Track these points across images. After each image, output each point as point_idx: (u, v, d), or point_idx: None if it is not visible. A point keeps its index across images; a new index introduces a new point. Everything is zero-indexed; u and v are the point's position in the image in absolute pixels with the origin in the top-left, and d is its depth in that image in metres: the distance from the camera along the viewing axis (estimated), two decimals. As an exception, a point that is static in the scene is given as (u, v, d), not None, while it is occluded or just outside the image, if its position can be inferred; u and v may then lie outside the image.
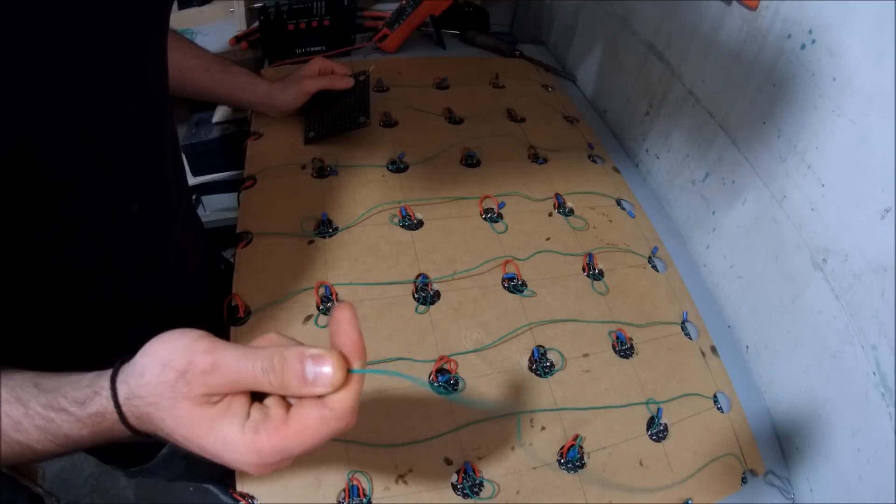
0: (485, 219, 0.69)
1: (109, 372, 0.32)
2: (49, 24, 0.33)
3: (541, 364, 0.57)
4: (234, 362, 0.29)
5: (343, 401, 0.29)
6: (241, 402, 0.29)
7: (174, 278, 0.54)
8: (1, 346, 0.42)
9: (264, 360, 0.29)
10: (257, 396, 0.31)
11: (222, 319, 0.56)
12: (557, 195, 0.73)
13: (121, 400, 0.30)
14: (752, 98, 0.60)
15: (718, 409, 0.58)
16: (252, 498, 0.44)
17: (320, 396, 0.29)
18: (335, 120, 0.75)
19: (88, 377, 0.32)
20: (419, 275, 0.62)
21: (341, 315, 0.30)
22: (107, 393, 0.31)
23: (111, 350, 0.33)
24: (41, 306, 0.45)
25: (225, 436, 0.28)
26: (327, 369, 0.28)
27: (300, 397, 0.29)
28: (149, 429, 0.31)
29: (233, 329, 0.55)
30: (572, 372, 0.57)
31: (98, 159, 0.41)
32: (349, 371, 0.29)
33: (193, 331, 0.31)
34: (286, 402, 0.30)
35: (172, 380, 0.29)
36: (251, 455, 0.28)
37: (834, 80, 0.49)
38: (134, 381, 0.30)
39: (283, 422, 0.29)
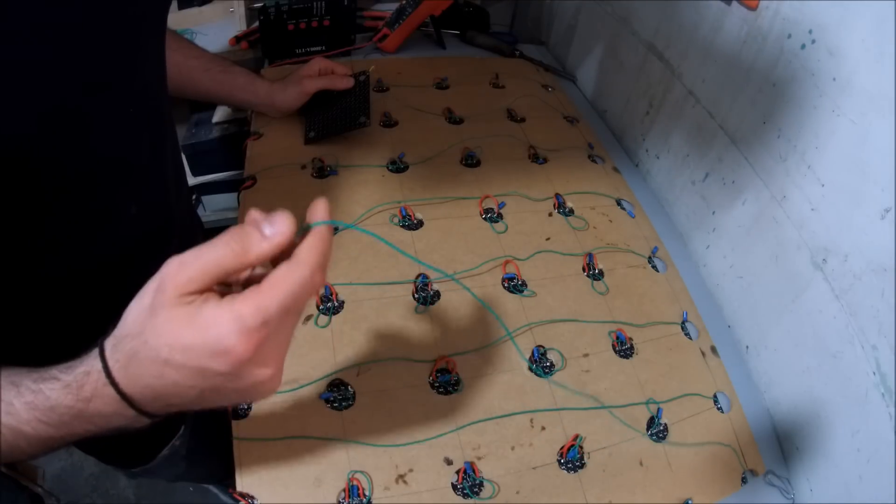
0: (485, 219, 0.69)
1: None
2: (46, 26, 0.33)
3: (541, 364, 0.57)
4: (197, 252, 0.30)
5: (304, 249, 0.31)
6: (215, 293, 0.30)
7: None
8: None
9: (222, 236, 0.30)
10: None
11: None
12: (557, 195, 0.73)
13: (107, 351, 0.31)
14: (752, 98, 0.60)
15: (718, 409, 0.58)
16: (252, 498, 0.44)
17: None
18: (335, 120, 0.75)
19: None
20: (419, 275, 0.62)
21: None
22: (95, 350, 0.31)
23: None
24: (39, 309, 0.45)
25: (206, 319, 0.28)
26: (280, 219, 0.31)
27: (264, 261, 0.31)
28: (136, 381, 0.31)
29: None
30: (572, 372, 0.57)
31: (95, 162, 0.41)
32: (310, 226, 0.33)
33: None
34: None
35: (149, 299, 0.30)
36: (234, 322, 0.28)
37: (834, 80, 0.49)
38: (117, 330, 0.31)
39: (257, 286, 0.30)
